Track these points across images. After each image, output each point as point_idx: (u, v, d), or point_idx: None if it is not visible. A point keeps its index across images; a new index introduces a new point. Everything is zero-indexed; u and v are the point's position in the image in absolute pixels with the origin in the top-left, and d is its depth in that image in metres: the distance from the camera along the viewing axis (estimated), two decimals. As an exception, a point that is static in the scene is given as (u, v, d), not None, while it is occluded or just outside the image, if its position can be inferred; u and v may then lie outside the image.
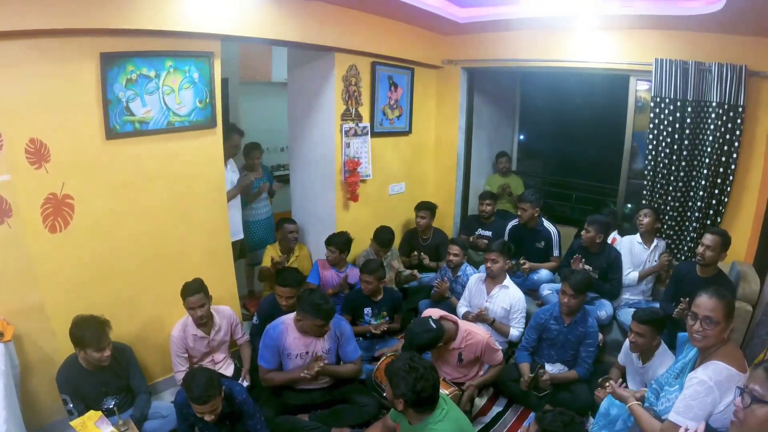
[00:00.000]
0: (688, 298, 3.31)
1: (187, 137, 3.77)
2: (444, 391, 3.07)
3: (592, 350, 3.83)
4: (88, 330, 3.02)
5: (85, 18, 2.97)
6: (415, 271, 5.29)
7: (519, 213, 5.17)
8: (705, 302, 2.46)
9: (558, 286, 4.41)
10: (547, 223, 5.23)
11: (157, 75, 3.50)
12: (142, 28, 3.24)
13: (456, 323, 3.70)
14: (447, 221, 6.54)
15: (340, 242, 4.74)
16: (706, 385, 2.34)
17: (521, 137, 7.66)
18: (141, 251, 3.68)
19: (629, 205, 5.74)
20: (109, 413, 3.05)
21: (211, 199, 4.07)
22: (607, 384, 3.04)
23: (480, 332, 3.72)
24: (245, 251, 5.33)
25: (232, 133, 4.81)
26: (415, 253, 5.46)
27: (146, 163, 3.58)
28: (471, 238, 5.67)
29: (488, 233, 5.63)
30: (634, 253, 4.68)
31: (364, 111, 5.22)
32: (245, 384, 3.79)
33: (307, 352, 3.56)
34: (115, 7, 3.08)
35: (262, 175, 5.36)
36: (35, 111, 3.01)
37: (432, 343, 3.51)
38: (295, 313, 3.57)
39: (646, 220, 4.56)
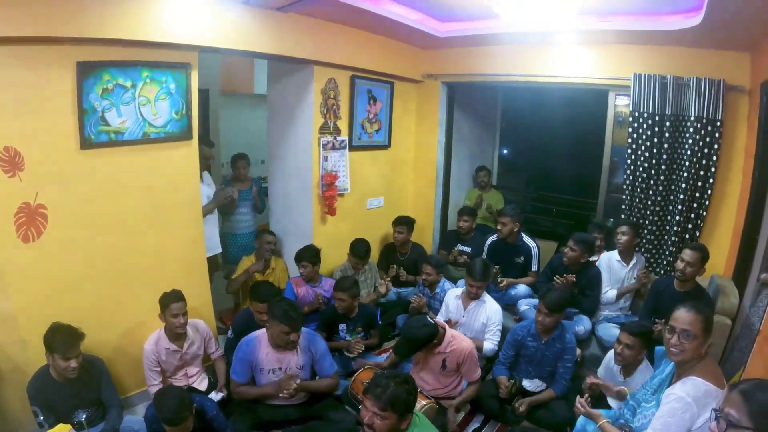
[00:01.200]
0: (664, 320, 3.30)
1: (162, 148, 3.73)
2: (421, 401, 3.05)
3: (570, 366, 3.81)
4: (59, 336, 2.97)
5: (63, 26, 2.94)
6: (388, 282, 5.19)
7: (499, 227, 5.10)
8: (683, 316, 2.45)
9: (536, 301, 4.40)
10: (526, 239, 5.18)
11: (134, 85, 3.46)
12: (119, 38, 3.21)
13: (444, 327, 3.73)
14: (426, 236, 6.51)
15: (309, 256, 4.67)
16: (684, 402, 2.32)
17: (502, 151, 7.67)
18: (115, 262, 3.61)
19: (611, 220, 5.75)
20: (79, 427, 3.00)
21: (187, 210, 4.01)
22: (577, 404, 3.00)
23: (465, 340, 3.74)
24: (219, 266, 5.24)
25: (201, 144, 4.74)
26: (394, 266, 5.40)
27: (121, 173, 3.53)
28: (450, 254, 5.63)
29: (468, 249, 5.59)
30: (613, 270, 4.65)
31: (343, 125, 5.20)
32: (221, 396, 3.73)
33: (280, 368, 3.51)
34: (93, 16, 3.05)
35: (248, 188, 5.30)
36: (10, 119, 2.96)
37: (428, 339, 3.56)
38: (269, 326, 3.55)
39: (624, 238, 4.51)
